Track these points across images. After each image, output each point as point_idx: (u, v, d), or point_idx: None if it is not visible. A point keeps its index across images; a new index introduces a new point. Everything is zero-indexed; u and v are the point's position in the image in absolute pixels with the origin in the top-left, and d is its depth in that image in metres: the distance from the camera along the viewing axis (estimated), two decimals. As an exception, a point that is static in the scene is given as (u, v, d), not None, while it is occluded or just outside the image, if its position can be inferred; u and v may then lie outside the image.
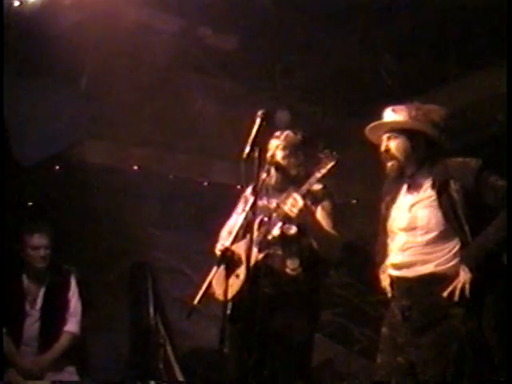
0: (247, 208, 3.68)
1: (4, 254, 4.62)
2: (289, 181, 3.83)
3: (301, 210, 3.55)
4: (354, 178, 6.20)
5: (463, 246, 3.06)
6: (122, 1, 4.90)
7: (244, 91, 6.05)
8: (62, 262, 4.73)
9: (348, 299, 6.69)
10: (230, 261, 3.61)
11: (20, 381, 4.35)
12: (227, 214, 4.11)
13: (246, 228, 3.65)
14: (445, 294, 3.02)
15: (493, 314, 3.02)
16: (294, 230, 3.73)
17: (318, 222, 3.69)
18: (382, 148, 3.31)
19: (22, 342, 4.41)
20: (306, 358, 3.82)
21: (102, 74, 5.53)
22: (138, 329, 5.94)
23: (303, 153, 3.88)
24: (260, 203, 3.75)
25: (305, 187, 3.62)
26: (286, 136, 3.86)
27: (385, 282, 3.31)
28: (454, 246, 3.09)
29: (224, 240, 3.86)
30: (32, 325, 4.45)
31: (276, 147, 3.83)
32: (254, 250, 3.59)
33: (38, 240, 4.51)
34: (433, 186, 3.17)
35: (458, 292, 2.99)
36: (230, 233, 3.85)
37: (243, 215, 3.78)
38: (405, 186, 3.30)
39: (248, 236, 3.31)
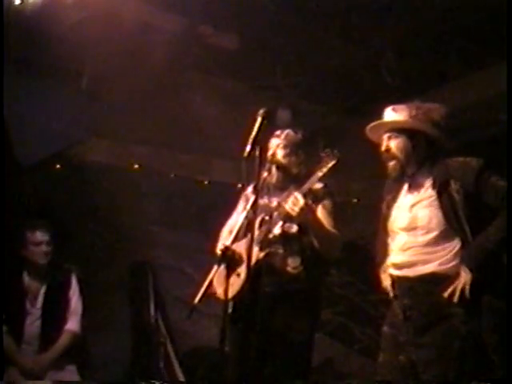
0: (248, 207, 3.68)
1: (4, 253, 4.62)
2: (290, 180, 3.83)
3: (302, 209, 3.55)
4: (354, 176, 6.21)
5: (464, 245, 3.07)
6: (123, 0, 4.90)
7: (245, 90, 6.05)
8: (63, 261, 4.74)
9: (348, 298, 6.70)
10: (230, 260, 3.61)
11: (21, 380, 4.34)
12: (228, 213, 4.11)
13: (247, 227, 3.65)
14: (445, 294, 3.03)
15: (493, 313, 3.02)
16: (294, 228, 3.73)
17: (318, 221, 3.69)
18: (383, 148, 3.32)
19: (23, 341, 4.41)
20: (307, 358, 3.83)
21: (102, 72, 5.53)
22: (138, 328, 5.94)
23: (304, 151, 3.89)
24: (261, 202, 3.76)
25: (306, 186, 3.63)
26: (287, 135, 3.87)
27: (386, 282, 3.32)
28: (454, 245, 3.09)
29: (224, 239, 3.87)
30: (33, 323, 4.45)
31: (277, 146, 3.84)
32: (255, 248, 3.60)
33: (40, 236, 4.52)
34: (433, 186, 3.17)
35: (458, 293, 3.00)
36: (230, 232, 3.85)
37: (244, 214, 3.78)
38: (405, 186, 3.30)
39: (249, 235, 3.31)
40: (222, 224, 4.09)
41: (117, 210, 5.87)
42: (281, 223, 3.75)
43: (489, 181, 3.07)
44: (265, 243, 3.73)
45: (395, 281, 3.23)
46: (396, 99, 3.45)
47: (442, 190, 3.12)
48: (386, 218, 3.35)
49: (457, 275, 3.02)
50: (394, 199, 3.33)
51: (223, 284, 3.48)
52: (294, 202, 3.57)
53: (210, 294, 3.78)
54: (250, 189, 3.90)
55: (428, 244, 3.12)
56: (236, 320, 3.59)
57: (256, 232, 3.63)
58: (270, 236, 3.74)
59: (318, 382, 5.56)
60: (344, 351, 6.49)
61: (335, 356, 6.32)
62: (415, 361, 3.09)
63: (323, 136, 5.35)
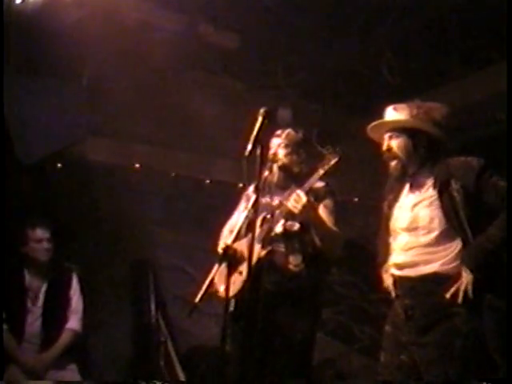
0: (249, 206, 3.68)
1: (5, 251, 4.62)
2: (291, 179, 3.84)
3: (304, 206, 3.57)
4: (355, 175, 6.20)
5: (464, 245, 3.06)
6: (124, -1, 4.90)
7: (246, 89, 6.05)
8: (64, 260, 4.74)
9: (349, 297, 6.69)
10: (231, 258, 3.62)
11: (21, 379, 4.34)
12: (229, 212, 4.12)
13: (248, 226, 3.66)
14: (447, 295, 3.03)
15: (494, 313, 3.02)
16: (296, 226, 3.74)
17: (320, 219, 3.70)
18: (384, 147, 3.31)
19: (24, 339, 4.41)
20: (307, 357, 3.84)
21: (103, 71, 5.53)
22: (138, 327, 5.94)
23: (305, 150, 3.90)
24: (263, 201, 3.78)
25: (308, 183, 3.64)
26: (288, 134, 3.89)
27: (387, 282, 3.31)
28: (456, 245, 3.09)
29: (225, 238, 3.87)
30: (34, 322, 4.46)
31: (278, 145, 3.86)
32: (257, 246, 3.61)
33: (41, 233, 4.54)
34: (434, 186, 3.17)
35: (461, 293, 2.99)
36: (231, 231, 3.86)
37: (245, 213, 3.79)
38: (407, 186, 3.30)
39: (250, 234, 3.31)
40: (222, 223, 4.09)
41: (117, 210, 5.87)
42: (282, 221, 3.76)
43: (489, 181, 3.07)
44: (266, 241, 3.74)
45: (397, 281, 3.23)
46: (396, 98, 3.45)
47: (442, 190, 3.12)
48: (387, 217, 3.35)
49: (458, 275, 3.02)
50: (396, 199, 3.33)
51: (224, 282, 3.49)
52: (296, 199, 3.59)
53: (212, 292, 3.79)
54: (251, 188, 3.90)
55: (429, 244, 3.12)
56: (237, 318, 3.60)
57: (257, 230, 3.65)
58: (272, 234, 3.75)
59: (318, 381, 5.57)
60: (344, 350, 6.48)
61: (335, 355, 6.31)
62: (417, 360, 3.09)
63: (324, 135, 5.35)
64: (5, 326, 4.37)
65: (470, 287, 2.98)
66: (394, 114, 3.32)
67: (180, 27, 5.28)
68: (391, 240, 3.30)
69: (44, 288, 4.54)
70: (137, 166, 6.22)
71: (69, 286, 4.64)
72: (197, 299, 3.81)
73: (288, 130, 3.93)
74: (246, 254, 3.54)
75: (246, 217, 3.75)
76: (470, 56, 5.40)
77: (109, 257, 5.91)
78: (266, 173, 3.81)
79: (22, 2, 4.66)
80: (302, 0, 5.01)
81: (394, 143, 3.29)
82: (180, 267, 6.31)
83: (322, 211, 3.77)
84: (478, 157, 3.17)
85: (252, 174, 3.20)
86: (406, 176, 3.29)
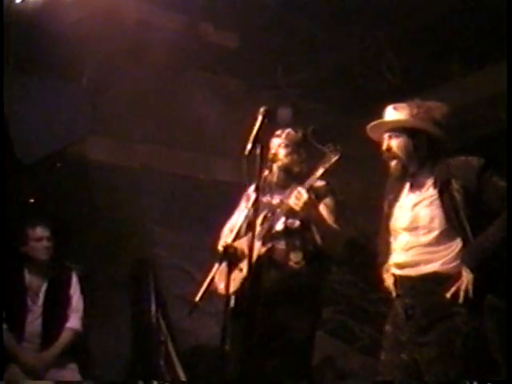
0: (249, 205, 3.69)
1: (5, 250, 4.62)
2: (292, 178, 3.86)
3: (305, 203, 3.60)
4: (356, 175, 6.21)
5: (465, 245, 3.06)
6: (124, -2, 4.91)
7: (246, 88, 6.06)
8: (64, 259, 4.75)
9: (349, 297, 6.69)
10: (231, 257, 3.63)
11: (21, 378, 4.34)
12: (229, 212, 4.12)
13: (248, 225, 3.66)
14: (448, 295, 3.03)
15: (495, 313, 3.02)
16: (297, 224, 3.76)
17: (321, 216, 3.72)
18: (384, 147, 3.31)
19: (24, 338, 4.41)
20: (307, 356, 3.84)
21: (103, 71, 5.53)
22: (139, 326, 5.94)
23: (305, 150, 3.92)
24: (263, 200, 3.81)
25: (309, 181, 3.67)
26: (288, 134, 3.92)
27: (388, 282, 3.31)
28: (456, 245, 3.08)
29: (226, 237, 3.88)
30: (34, 321, 4.46)
31: (278, 146, 3.89)
32: (258, 243, 3.62)
33: (41, 231, 4.55)
34: (434, 185, 3.17)
35: (462, 293, 2.99)
36: (231, 230, 3.87)
37: (245, 212, 3.80)
38: (407, 185, 3.29)
39: (250, 232, 3.32)
40: (222, 222, 4.10)
41: (117, 209, 5.87)
42: (283, 219, 3.77)
43: (490, 181, 3.06)
44: (267, 238, 3.76)
45: (397, 280, 3.23)
46: (397, 98, 3.44)
47: (443, 190, 3.12)
48: (387, 217, 3.34)
49: (459, 275, 3.02)
50: (396, 198, 3.32)
51: (225, 279, 3.49)
52: (298, 196, 3.61)
53: (211, 290, 3.80)
54: (251, 188, 3.91)
55: (430, 244, 3.12)
56: (237, 315, 3.59)
57: (259, 228, 3.67)
58: (273, 231, 3.77)
59: (318, 380, 5.57)
60: (344, 350, 6.48)
61: (335, 354, 6.31)
62: (417, 360, 3.09)
63: (324, 134, 5.34)
64: (5, 326, 4.37)
65: (470, 287, 2.98)
66: (393, 113, 3.32)
67: (180, 27, 5.29)
68: (392, 240, 3.30)
69: (44, 287, 4.55)
70: (137, 165, 6.22)
71: (69, 285, 4.65)
72: (197, 298, 3.82)
73: (288, 130, 3.95)
74: (246, 251, 3.55)
75: (246, 216, 3.76)
76: (470, 55, 5.40)
77: (109, 256, 5.91)
78: (266, 172, 3.83)
79: (21, 2, 4.66)
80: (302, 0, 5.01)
81: (393, 143, 3.28)
82: (180, 266, 6.31)
83: (323, 210, 3.79)
84: (478, 156, 3.17)
85: (252, 174, 3.21)
86: (406, 176, 3.29)
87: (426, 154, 3.24)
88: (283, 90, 5.98)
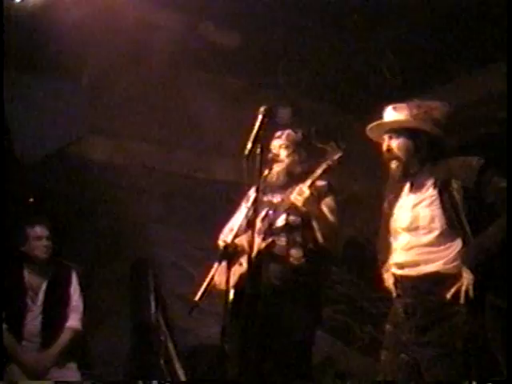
0: (249, 203, 3.70)
1: (5, 249, 4.62)
2: (293, 178, 3.87)
3: (307, 199, 3.62)
4: (355, 174, 6.21)
5: (465, 245, 3.06)
6: (124, -3, 4.90)
7: (246, 88, 6.06)
8: (63, 258, 4.74)
9: (349, 296, 6.69)
10: (231, 256, 3.63)
11: (22, 378, 4.34)
12: (229, 211, 4.12)
13: (248, 223, 3.67)
14: (448, 295, 3.02)
15: (495, 312, 3.02)
16: (298, 220, 3.77)
17: (323, 213, 3.74)
18: (384, 147, 3.30)
19: (24, 338, 4.40)
20: (307, 355, 3.84)
21: (103, 70, 5.53)
22: (138, 325, 5.94)
23: (305, 150, 3.94)
24: (264, 199, 3.83)
25: (311, 177, 3.69)
26: (288, 135, 3.96)
27: (389, 282, 3.31)
28: (456, 245, 3.08)
29: (226, 236, 3.89)
30: (34, 320, 4.45)
31: (279, 147, 3.93)
32: (258, 239, 3.65)
33: (40, 230, 4.55)
34: (434, 185, 3.16)
35: (462, 294, 2.99)
36: (231, 230, 3.87)
37: (245, 211, 3.81)
38: (407, 185, 3.29)
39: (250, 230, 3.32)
40: (222, 221, 4.10)
41: (117, 208, 5.87)
42: (284, 216, 3.79)
43: (490, 181, 3.06)
44: (268, 234, 3.77)
45: (398, 280, 3.23)
46: (397, 98, 3.45)
47: (443, 190, 3.12)
48: (388, 217, 3.34)
49: (459, 275, 3.02)
50: (396, 199, 3.32)
51: (225, 274, 3.49)
52: (300, 192, 3.65)
53: (211, 287, 3.80)
54: (253, 189, 3.92)
55: (430, 244, 3.12)
56: (237, 312, 3.58)
57: (259, 224, 3.69)
58: (274, 228, 3.78)
59: (317, 380, 5.57)
60: (344, 350, 6.48)
61: (335, 354, 6.31)
62: (418, 359, 3.09)
63: (324, 134, 5.35)
64: (4, 325, 4.35)
65: (470, 287, 2.98)
66: (393, 114, 3.31)
67: (180, 26, 5.29)
68: (392, 239, 3.30)
69: (44, 286, 4.54)
70: (136, 164, 6.22)
71: (68, 284, 4.64)
72: (197, 298, 3.81)
73: (288, 131, 3.98)
74: (246, 247, 3.55)
75: (246, 214, 3.77)
76: (470, 55, 5.40)
77: (108, 255, 5.91)
78: (266, 172, 3.84)
79: (21, 2, 4.65)
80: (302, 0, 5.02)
81: (393, 143, 3.28)
82: (180, 265, 6.31)
83: (324, 209, 3.80)
84: (478, 156, 3.16)
85: (252, 173, 3.21)
86: (406, 176, 3.28)
87: (426, 154, 3.23)
88: (283, 89, 5.98)
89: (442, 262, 3.08)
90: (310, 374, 3.90)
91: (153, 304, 5.89)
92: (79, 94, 5.65)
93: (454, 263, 3.06)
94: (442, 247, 3.10)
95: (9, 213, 5.00)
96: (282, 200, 3.82)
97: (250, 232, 3.26)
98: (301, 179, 3.77)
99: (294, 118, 5.99)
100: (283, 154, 3.92)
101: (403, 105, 3.31)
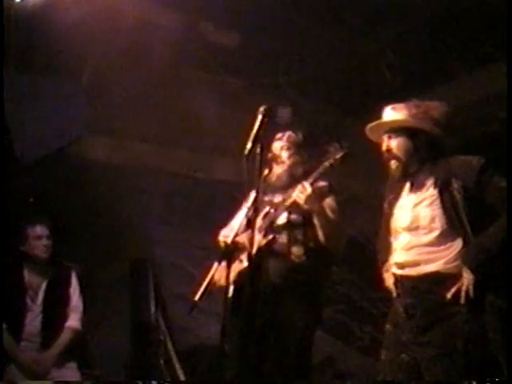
0: (249, 203, 3.70)
1: (5, 249, 4.62)
2: (295, 179, 3.88)
3: (309, 197, 3.62)
4: (355, 174, 6.20)
5: (465, 245, 3.06)
6: (124, -3, 4.91)
7: (246, 87, 6.05)
8: (63, 258, 4.74)
9: (349, 296, 6.69)
10: (231, 255, 3.63)
11: (21, 379, 4.33)
12: (228, 211, 4.12)
13: (249, 221, 3.67)
14: (449, 295, 3.02)
15: (496, 312, 3.02)
16: (300, 219, 3.78)
17: (325, 211, 3.74)
18: (383, 147, 3.31)
19: (24, 338, 4.40)
20: (307, 355, 3.84)
21: (103, 70, 5.53)
22: (138, 325, 5.94)
23: (306, 151, 3.96)
24: (265, 199, 3.84)
25: (314, 175, 3.70)
26: (289, 136, 3.98)
27: (389, 282, 3.30)
28: (457, 245, 3.08)
29: (226, 236, 3.89)
30: (33, 320, 4.45)
31: (281, 148, 3.95)
32: (259, 236, 3.65)
33: (40, 230, 4.56)
34: (435, 185, 3.16)
35: (463, 294, 2.99)
36: (232, 229, 3.87)
37: (245, 211, 3.82)
38: (407, 185, 3.29)
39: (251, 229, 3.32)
40: (222, 221, 4.10)
41: (117, 208, 5.87)
42: (286, 214, 3.80)
43: (490, 181, 3.06)
44: (269, 232, 3.78)
45: (398, 280, 3.22)
46: (397, 98, 3.44)
47: (443, 189, 3.11)
48: (388, 217, 3.34)
49: (459, 275, 3.01)
50: (397, 198, 3.32)
51: (225, 271, 3.49)
52: (301, 190, 3.66)
53: (211, 284, 3.80)
54: (253, 191, 3.93)
55: (431, 243, 3.11)
56: (237, 310, 3.57)
57: (260, 222, 3.70)
58: (275, 225, 3.79)
59: (317, 380, 5.57)
60: (344, 349, 6.48)
61: (335, 354, 6.31)
62: (418, 359, 3.09)
63: (324, 134, 5.35)
64: (4, 325, 4.35)
65: (471, 287, 2.97)
66: (392, 113, 3.31)
67: (180, 26, 5.29)
68: (392, 239, 3.30)
69: (43, 286, 4.54)
70: (136, 164, 6.22)
71: (68, 284, 4.65)
72: (196, 297, 3.81)
73: (288, 133, 4.01)
74: (247, 244, 3.55)
75: (247, 213, 3.77)
76: (469, 55, 5.40)
77: (108, 255, 5.91)
78: (266, 171, 3.85)
79: (21, 1, 4.65)
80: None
81: (393, 143, 3.28)
82: (180, 265, 6.32)
83: (325, 209, 3.81)
84: (478, 156, 3.16)
85: (252, 172, 3.21)
86: (406, 176, 3.28)
87: (426, 154, 3.23)
88: (283, 89, 5.98)
89: (442, 261, 3.08)
90: (310, 374, 3.90)
91: (152, 304, 5.89)
92: (79, 93, 5.64)
93: (455, 263, 3.06)
94: (443, 247, 3.10)
95: (9, 212, 4.99)
96: (284, 199, 3.83)
97: (250, 230, 3.26)
98: (303, 180, 3.78)
99: (294, 118, 6.00)
100: (285, 155, 3.94)
101: (402, 105, 3.31)
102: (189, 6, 5.05)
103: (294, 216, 3.81)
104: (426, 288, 3.10)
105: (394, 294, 3.27)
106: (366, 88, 5.80)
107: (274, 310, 3.70)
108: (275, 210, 3.84)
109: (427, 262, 3.11)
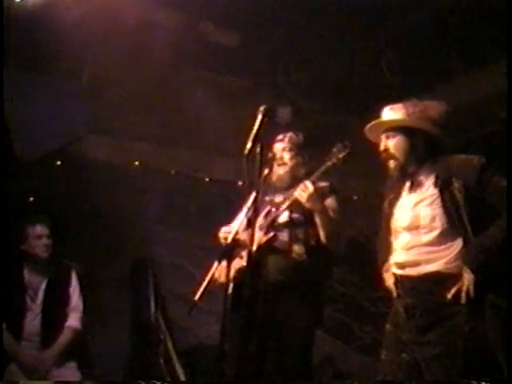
0: (249, 203, 3.70)
1: (5, 248, 4.62)
2: (297, 180, 3.88)
3: (311, 195, 3.63)
4: (355, 174, 6.21)
5: (465, 245, 3.05)
6: (124, -4, 4.90)
7: (246, 87, 6.05)
8: (63, 258, 4.74)
9: (349, 296, 6.69)
10: (232, 254, 3.63)
11: (21, 378, 4.33)
12: (228, 210, 4.13)
13: (249, 221, 3.67)
14: (449, 295, 3.02)
15: (496, 312, 3.02)
16: (301, 217, 3.79)
17: (326, 210, 3.74)
18: (381, 147, 3.31)
19: (23, 337, 4.40)
20: (307, 355, 3.84)
21: (103, 69, 5.53)
22: (138, 324, 5.94)
23: (306, 151, 3.98)
24: (266, 199, 3.85)
25: (316, 174, 3.71)
26: (290, 138, 4.00)
27: (389, 282, 3.30)
28: (457, 244, 3.08)
29: (227, 232, 3.89)
30: (33, 319, 4.44)
31: (282, 150, 3.96)
32: (260, 233, 3.66)
33: (41, 229, 4.55)
34: (435, 184, 3.16)
35: (464, 294, 2.99)
36: (233, 228, 3.87)
37: (246, 210, 3.82)
38: (407, 185, 3.29)
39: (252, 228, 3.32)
40: (222, 221, 4.10)
41: (117, 207, 5.87)
42: (287, 213, 3.81)
43: (491, 180, 3.06)
44: (270, 229, 3.79)
45: (398, 280, 3.22)
46: (397, 97, 3.44)
47: (443, 188, 3.11)
48: (388, 216, 3.34)
49: (459, 275, 3.01)
50: (397, 198, 3.32)
51: (225, 269, 3.48)
52: (303, 188, 3.67)
53: (211, 284, 3.80)
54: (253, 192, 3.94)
55: (431, 243, 3.11)
56: (237, 308, 3.56)
57: (261, 221, 3.71)
58: (276, 224, 3.80)
59: (317, 379, 5.57)
60: (344, 349, 6.48)
61: (335, 353, 6.31)
62: (418, 359, 3.09)
63: (324, 134, 5.35)
64: (4, 325, 4.35)
65: (471, 287, 2.97)
66: (390, 113, 3.32)
67: (180, 25, 5.28)
68: (392, 239, 3.30)
69: (43, 285, 4.54)
70: (136, 163, 6.23)
71: (68, 283, 4.64)
72: (196, 297, 3.81)
73: (290, 134, 4.03)
74: (247, 241, 3.56)
75: (247, 212, 3.77)
76: (469, 55, 5.40)
77: (108, 254, 5.91)
78: (266, 171, 3.85)
79: (21, 1, 4.65)
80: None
81: (390, 143, 3.28)
82: (180, 265, 6.32)
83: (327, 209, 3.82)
84: (478, 155, 3.16)
85: (252, 172, 3.21)
86: (405, 176, 3.28)
87: (425, 153, 3.23)
88: (283, 88, 5.98)
89: (442, 261, 3.08)
90: (310, 373, 3.90)
91: (152, 303, 5.90)
92: (79, 93, 5.64)
93: (455, 263, 3.06)
94: (443, 246, 3.09)
95: (9, 212, 4.99)
96: (285, 199, 3.85)
97: (252, 225, 3.26)
98: (304, 180, 3.79)
99: (294, 118, 6.00)
100: (286, 156, 3.96)
101: (399, 104, 3.32)
102: (189, 5, 5.05)
103: (295, 214, 3.82)
104: (426, 288, 3.10)
105: (395, 294, 3.27)
106: (366, 88, 5.80)
107: (274, 309, 3.70)
108: (276, 208, 3.86)
109: (427, 261, 3.11)
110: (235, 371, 3.59)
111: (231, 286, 3.61)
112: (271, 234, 3.79)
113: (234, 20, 5.24)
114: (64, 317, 4.55)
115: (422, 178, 3.23)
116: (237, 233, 3.71)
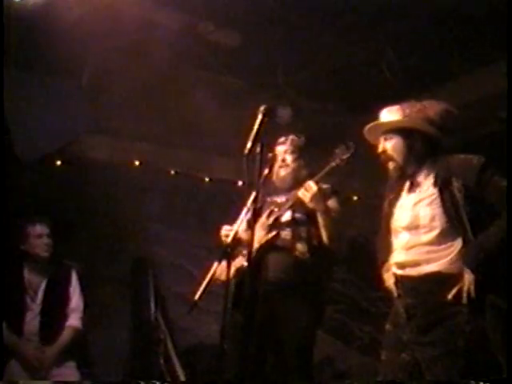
0: (249, 203, 3.70)
1: (5, 248, 4.62)
2: (299, 182, 3.89)
3: (314, 195, 3.64)
4: (355, 174, 6.21)
5: (465, 245, 3.05)
6: (125, -4, 4.90)
7: (246, 87, 6.06)
8: (63, 257, 4.74)
9: (349, 296, 6.70)
10: (232, 253, 3.63)
11: (22, 377, 4.33)
12: (228, 210, 4.13)
13: (249, 220, 3.67)
14: (450, 295, 3.02)
15: (497, 312, 3.02)
16: (304, 217, 3.80)
17: (329, 211, 3.75)
18: (379, 149, 3.31)
19: (24, 337, 4.40)
20: (308, 355, 3.84)
21: (103, 69, 5.53)
22: (138, 324, 5.95)
23: (308, 154, 4.00)
24: (268, 199, 3.86)
25: (319, 175, 3.72)
26: (292, 140, 4.04)
27: (389, 282, 3.30)
28: (457, 244, 3.08)
29: (228, 230, 3.89)
30: (33, 319, 4.44)
31: (284, 152, 3.99)
32: (263, 232, 3.66)
33: (41, 229, 4.55)
34: (435, 184, 3.16)
35: (464, 295, 2.98)
36: (233, 228, 3.88)
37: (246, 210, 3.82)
38: (407, 185, 3.29)
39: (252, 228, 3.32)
40: (222, 221, 4.10)
41: (117, 207, 5.88)
42: (290, 212, 3.82)
43: (491, 180, 3.06)
44: (273, 228, 3.80)
45: (398, 280, 3.22)
46: (397, 97, 3.45)
47: (443, 188, 3.11)
48: (388, 216, 3.34)
49: (460, 275, 3.01)
50: (396, 198, 3.32)
51: (226, 268, 3.48)
52: (307, 188, 3.68)
53: (211, 285, 3.80)
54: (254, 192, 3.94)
55: (431, 243, 3.11)
56: (237, 307, 3.56)
57: (263, 220, 3.72)
58: (279, 223, 3.81)
59: (317, 379, 5.57)
60: (344, 349, 6.49)
61: (334, 354, 6.32)
62: (418, 359, 3.09)
63: (324, 134, 5.36)
64: (3, 324, 4.35)
65: (472, 288, 2.97)
66: (387, 115, 3.32)
67: (180, 25, 5.28)
68: (392, 239, 3.29)
69: (43, 285, 4.54)
70: (136, 163, 6.23)
71: (68, 283, 4.64)
72: (196, 297, 3.81)
73: (291, 137, 4.05)
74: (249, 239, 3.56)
75: (247, 212, 3.77)
76: (470, 55, 5.40)
77: (108, 254, 5.92)
78: (266, 170, 3.85)
79: (21, 0, 4.65)
80: (303, -1, 5.01)
81: (388, 145, 3.28)
82: (180, 265, 6.32)
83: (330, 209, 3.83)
84: (478, 155, 3.16)
85: (252, 172, 3.21)
86: (404, 176, 3.28)
87: (424, 153, 3.23)
88: (283, 88, 5.98)
89: (443, 261, 3.07)
90: (311, 373, 3.90)
91: (152, 303, 5.90)
92: (79, 93, 5.65)
93: (455, 263, 3.05)
94: (443, 246, 3.09)
95: (9, 212, 5.00)
96: (287, 199, 3.86)
97: (252, 225, 3.26)
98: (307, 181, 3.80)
99: (294, 118, 6.01)
100: (289, 159, 3.99)
101: (397, 106, 3.32)
102: (189, 5, 5.05)
103: (298, 214, 3.84)
104: (426, 288, 3.09)
105: (395, 295, 3.27)
106: (366, 88, 5.80)
107: (274, 308, 3.71)
108: (279, 208, 3.87)
109: (427, 261, 3.11)
110: (235, 371, 3.59)
111: (232, 284, 3.61)
112: (274, 232, 3.80)
113: (234, 20, 5.24)
114: (64, 316, 4.55)
115: (421, 177, 3.23)
116: (237, 232, 3.72)
